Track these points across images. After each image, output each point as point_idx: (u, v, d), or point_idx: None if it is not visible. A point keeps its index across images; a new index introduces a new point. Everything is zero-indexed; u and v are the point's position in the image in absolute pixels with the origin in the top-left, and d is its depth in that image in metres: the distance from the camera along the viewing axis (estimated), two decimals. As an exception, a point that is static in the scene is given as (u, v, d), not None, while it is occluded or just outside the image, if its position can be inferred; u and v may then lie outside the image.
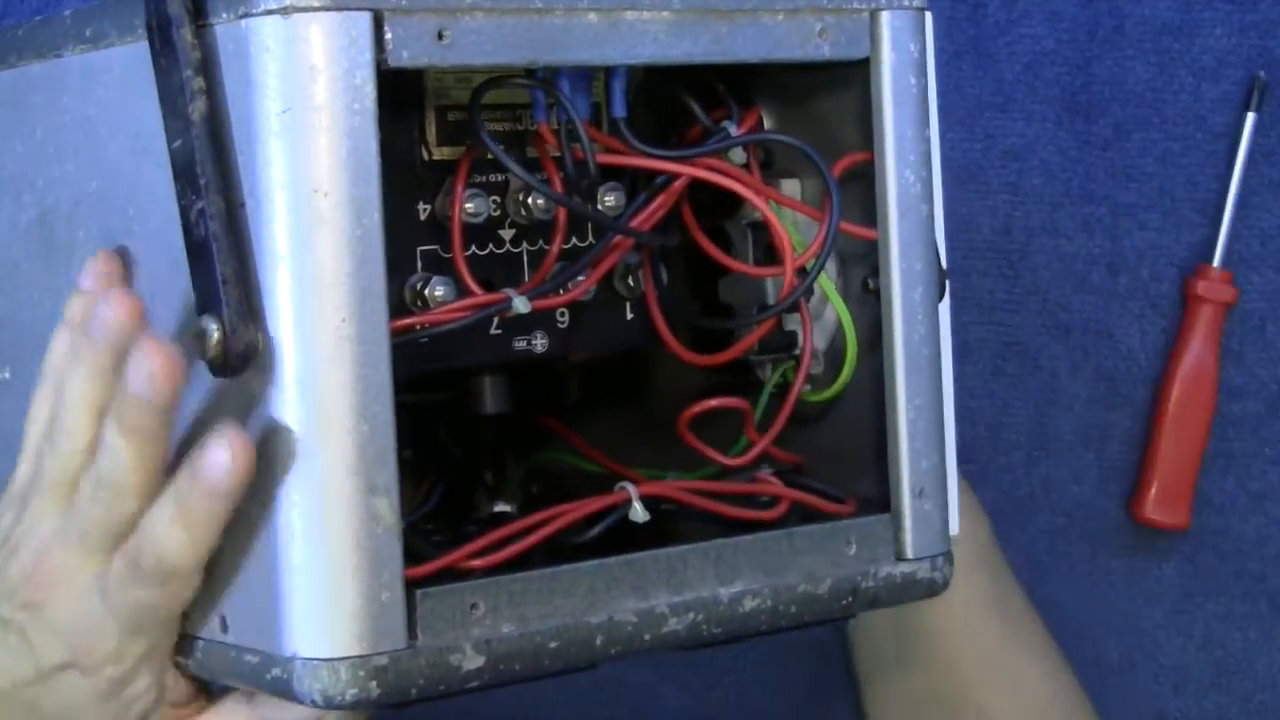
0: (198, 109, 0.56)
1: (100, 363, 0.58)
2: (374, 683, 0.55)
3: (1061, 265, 0.90)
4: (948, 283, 0.67)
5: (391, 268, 0.57)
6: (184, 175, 0.56)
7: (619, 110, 0.63)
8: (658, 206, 0.64)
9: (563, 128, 0.62)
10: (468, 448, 0.71)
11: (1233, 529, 0.90)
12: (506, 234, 0.64)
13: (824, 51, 0.63)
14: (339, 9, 0.55)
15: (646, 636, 0.60)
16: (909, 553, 0.64)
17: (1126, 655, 0.91)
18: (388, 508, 0.55)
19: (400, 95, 0.61)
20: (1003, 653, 0.80)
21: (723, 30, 0.62)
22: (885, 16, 0.64)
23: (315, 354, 0.55)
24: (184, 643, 0.60)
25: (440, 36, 0.57)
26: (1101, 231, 0.90)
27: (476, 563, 0.58)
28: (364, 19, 0.55)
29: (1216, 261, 0.89)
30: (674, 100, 0.66)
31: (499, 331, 0.64)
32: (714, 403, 0.66)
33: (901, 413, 0.64)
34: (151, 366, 0.55)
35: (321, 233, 0.55)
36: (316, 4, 0.55)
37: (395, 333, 0.57)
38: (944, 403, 0.65)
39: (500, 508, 0.65)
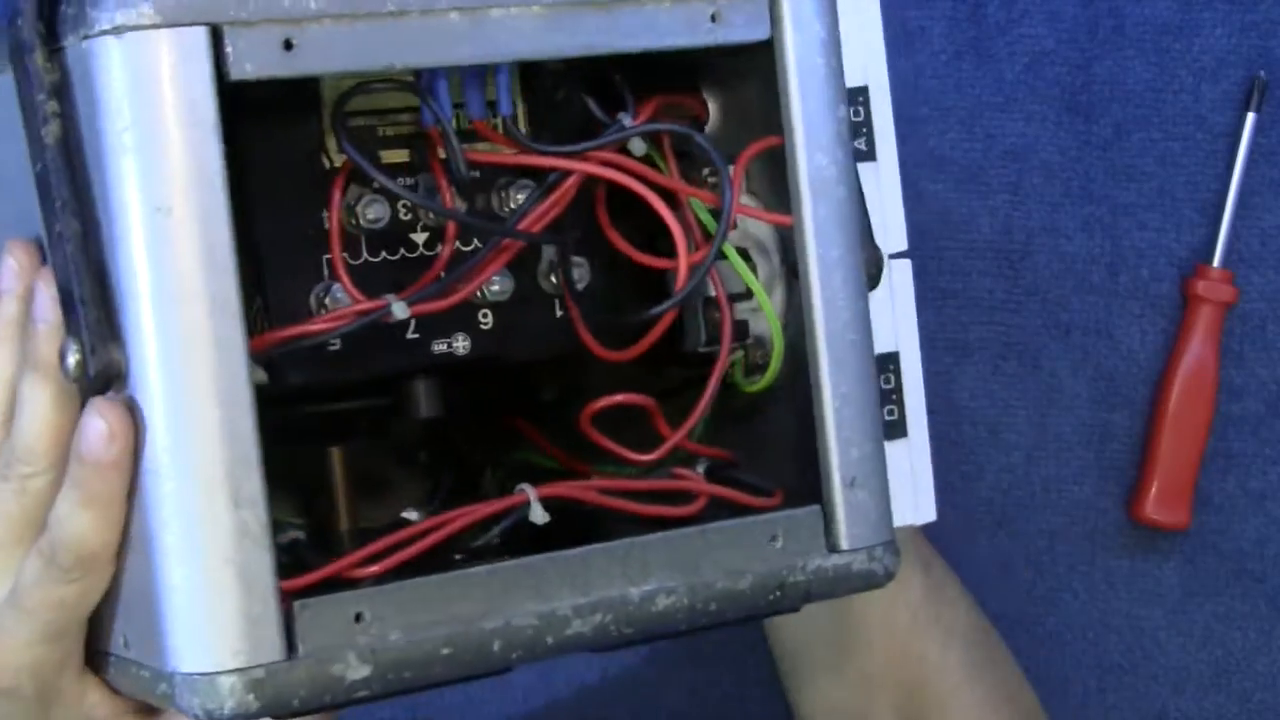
0: (50, 132, 0.56)
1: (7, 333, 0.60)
2: (251, 695, 0.55)
3: (1061, 265, 0.90)
4: (889, 267, 0.67)
5: (297, 276, 0.60)
6: (43, 198, 0.57)
7: (504, 107, 0.62)
8: (551, 205, 0.63)
9: (446, 129, 0.61)
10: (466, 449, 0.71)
11: (1233, 529, 0.90)
12: (419, 237, 0.64)
13: (718, 36, 0.62)
14: (171, 25, 0.55)
15: (549, 640, 0.60)
16: (843, 544, 0.63)
17: (1126, 655, 0.91)
18: (254, 520, 0.55)
19: (300, 103, 0.61)
20: (929, 603, 0.81)
21: (599, 21, 0.61)
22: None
23: (169, 371, 0.55)
24: (99, 658, 0.61)
25: (288, 46, 0.57)
26: (1101, 231, 0.90)
27: (363, 571, 0.58)
28: (200, 33, 0.55)
29: (1216, 261, 0.89)
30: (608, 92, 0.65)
31: (416, 335, 0.63)
32: (618, 398, 0.65)
33: (827, 402, 0.63)
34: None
35: (166, 250, 0.55)
36: (148, 21, 0.55)
37: (277, 343, 0.58)
38: (877, 390, 0.64)
39: (407, 514, 0.63)
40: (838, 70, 0.63)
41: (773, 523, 0.63)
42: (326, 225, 0.62)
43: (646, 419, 0.65)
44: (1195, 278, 0.89)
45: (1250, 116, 0.89)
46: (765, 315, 0.65)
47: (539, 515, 0.62)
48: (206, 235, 0.55)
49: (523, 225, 0.63)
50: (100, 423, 0.56)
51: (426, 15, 0.59)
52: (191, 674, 0.55)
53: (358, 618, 0.57)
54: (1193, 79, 0.89)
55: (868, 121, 0.70)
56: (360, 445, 0.69)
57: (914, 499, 0.70)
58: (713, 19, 0.62)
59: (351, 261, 0.62)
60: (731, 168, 0.64)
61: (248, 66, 0.56)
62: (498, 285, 0.64)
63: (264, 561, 0.55)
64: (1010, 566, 0.82)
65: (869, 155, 0.70)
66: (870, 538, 0.63)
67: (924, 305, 0.87)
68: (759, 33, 0.63)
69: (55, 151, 0.56)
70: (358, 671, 0.57)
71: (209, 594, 0.55)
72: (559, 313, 0.65)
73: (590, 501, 0.63)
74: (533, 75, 0.65)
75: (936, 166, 0.90)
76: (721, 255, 0.64)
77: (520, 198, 0.64)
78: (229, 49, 0.56)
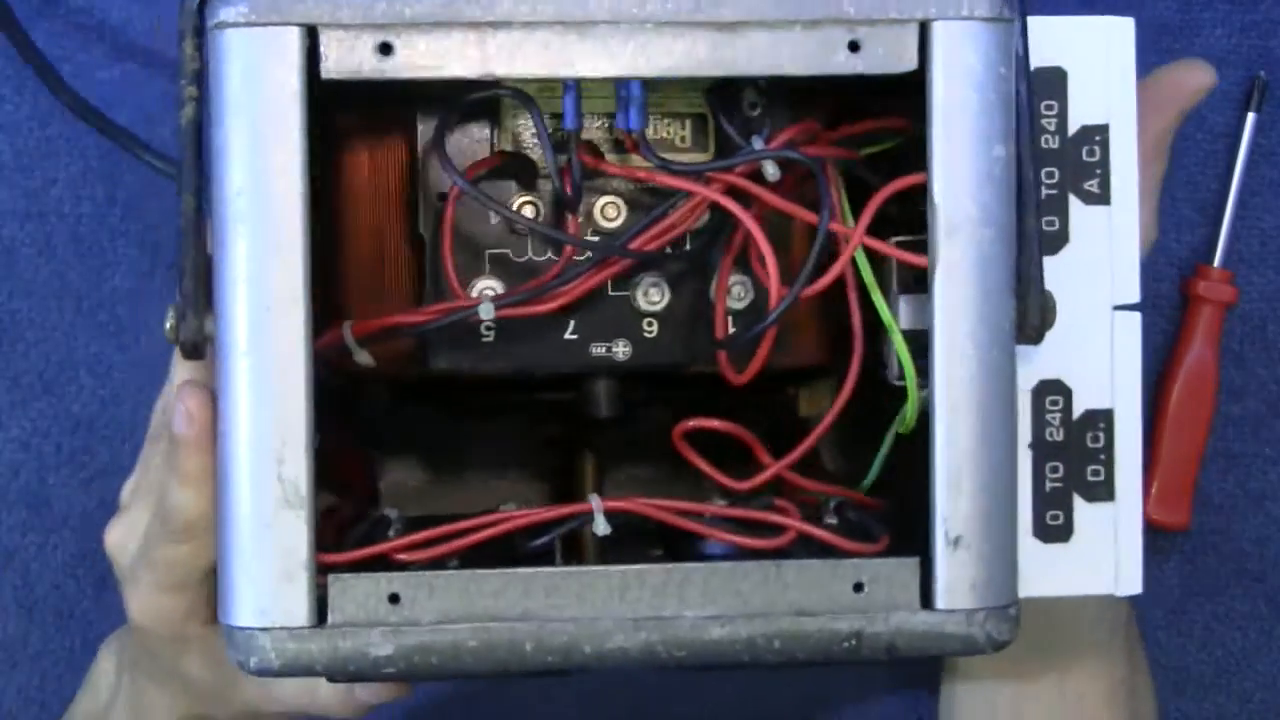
0: (185, 115, 0.60)
1: None
2: (274, 654, 0.59)
3: (1061, 265, 0.90)
4: (1113, 319, 0.65)
5: (464, 269, 0.64)
6: (177, 177, 0.61)
7: (634, 122, 0.62)
8: (670, 224, 0.63)
9: (544, 144, 0.62)
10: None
11: (1233, 529, 0.90)
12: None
13: (856, 66, 0.60)
14: (265, 24, 0.58)
15: (587, 649, 0.60)
16: (939, 603, 0.61)
17: (1126, 655, 0.91)
18: (294, 492, 0.59)
19: (477, 104, 0.63)
20: (1127, 690, 0.78)
21: (717, 42, 0.59)
22: (937, 27, 0.60)
23: (231, 349, 0.59)
24: None
25: (385, 50, 0.59)
26: (1101, 231, 0.90)
27: (409, 555, 0.61)
28: (293, 33, 0.58)
29: (1216, 261, 0.89)
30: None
31: (574, 337, 0.65)
32: (714, 423, 0.65)
33: (938, 453, 0.60)
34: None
35: (236, 233, 0.59)
36: (244, 19, 0.58)
37: (373, 331, 0.63)
38: (1007, 450, 0.61)
39: (505, 507, 0.64)
40: (998, 105, 0.60)
41: (860, 568, 0.61)
42: (493, 222, 0.65)
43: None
44: (1195, 278, 0.89)
45: (1250, 116, 0.89)
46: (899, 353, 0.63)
47: (601, 526, 0.62)
48: (274, 225, 0.58)
49: (635, 244, 0.63)
50: (180, 405, 0.63)
51: (529, 27, 0.59)
52: (230, 626, 0.60)
53: (393, 599, 0.60)
54: (1193, 79, 0.89)
55: (1104, 162, 0.66)
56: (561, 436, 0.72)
57: (1115, 568, 0.66)
58: (851, 47, 0.60)
59: (514, 258, 0.65)
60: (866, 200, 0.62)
61: (342, 66, 0.59)
62: (655, 295, 0.65)
63: (300, 532, 0.59)
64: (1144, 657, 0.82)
65: (1102, 199, 0.66)
66: (973, 600, 0.61)
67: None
68: (903, 64, 0.60)
69: (186, 133, 0.60)
70: (382, 649, 0.60)
71: (248, 557, 0.59)
72: (731, 329, 0.66)
73: (662, 520, 0.63)
74: (721, 87, 0.65)
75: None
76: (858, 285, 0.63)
77: (611, 213, 0.65)
78: (324, 49, 0.59)
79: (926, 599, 0.61)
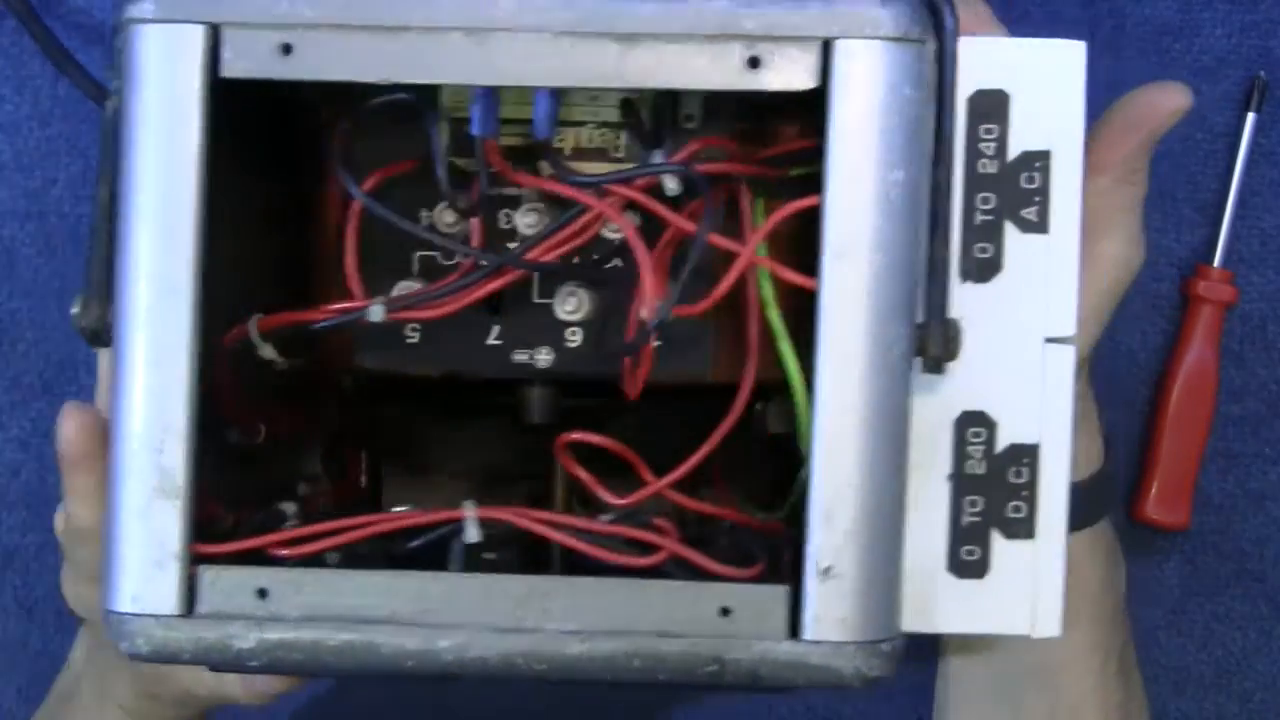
0: (109, 105, 0.61)
1: None
2: (141, 640, 0.60)
3: (1061, 265, 0.90)
4: (1044, 351, 0.63)
5: (390, 271, 0.65)
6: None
7: (540, 130, 0.62)
8: (570, 234, 0.63)
9: (435, 149, 0.63)
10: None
11: (1233, 529, 0.90)
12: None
13: (755, 82, 0.59)
14: (167, 21, 0.59)
15: (446, 656, 0.60)
16: (805, 634, 0.59)
17: (1126, 655, 0.91)
18: (170, 483, 0.60)
19: (417, 107, 0.63)
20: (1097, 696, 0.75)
21: (615, 54, 0.59)
22: (839, 46, 0.59)
23: (122, 338, 0.60)
24: None
25: (286, 50, 0.59)
26: (1101, 231, 0.90)
27: (285, 551, 0.62)
28: (195, 31, 0.59)
29: (1216, 261, 0.89)
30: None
31: (498, 343, 0.66)
32: (595, 438, 0.64)
33: (814, 479, 0.59)
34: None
35: (133, 226, 0.60)
36: (149, 16, 0.59)
37: (275, 325, 0.63)
38: (891, 482, 0.60)
39: (398, 509, 0.65)
40: (900, 128, 0.59)
41: (728, 593, 0.60)
42: (424, 223, 0.66)
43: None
44: (1195, 278, 0.89)
45: (1250, 116, 0.89)
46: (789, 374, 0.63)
47: (473, 534, 0.62)
48: (167, 220, 0.59)
49: (536, 254, 0.63)
50: (60, 429, 0.68)
51: (429, 33, 0.59)
52: (107, 610, 0.61)
53: (261, 593, 0.60)
54: (1193, 79, 0.89)
55: (1044, 190, 0.64)
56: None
57: (1032, 608, 0.64)
58: (751, 63, 0.59)
59: (442, 261, 0.66)
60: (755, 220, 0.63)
61: (240, 66, 0.59)
62: (571, 305, 0.65)
63: (174, 521, 0.60)
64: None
65: (1040, 227, 0.64)
66: (842, 634, 0.59)
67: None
68: (804, 82, 0.59)
69: (107, 125, 0.61)
70: (244, 642, 0.60)
71: (125, 543, 0.60)
72: (573, 341, 0.66)
73: (534, 532, 0.62)
74: (661, 98, 0.65)
75: (936, 166, 0.90)
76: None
77: (528, 220, 0.65)
78: (224, 48, 0.59)
79: (795, 629, 0.60)
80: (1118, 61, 0.89)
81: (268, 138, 0.66)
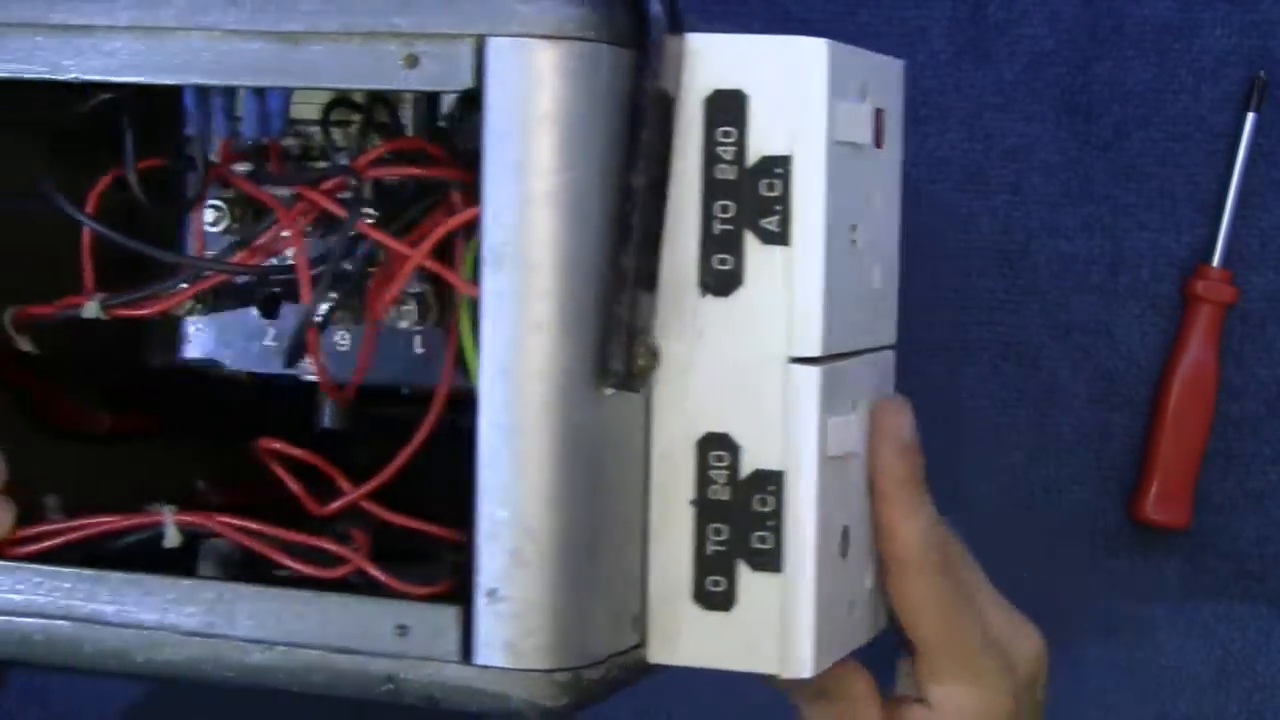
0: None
1: None
2: None
3: (1061, 265, 0.90)
4: (788, 373, 0.58)
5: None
6: None
7: (246, 129, 0.63)
8: (273, 235, 0.63)
9: (127, 146, 0.64)
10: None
11: (1233, 529, 0.90)
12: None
13: (413, 82, 0.56)
14: None
15: (139, 657, 0.60)
16: (477, 658, 0.57)
17: (1127, 655, 0.91)
18: None
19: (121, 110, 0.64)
20: None
21: (280, 54, 0.57)
22: (492, 44, 0.55)
23: None
24: None
25: None
26: (1101, 231, 0.90)
27: (9, 550, 0.62)
28: None
29: (1216, 261, 0.89)
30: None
31: (272, 344, 0.67)
32: (296, 451, 0.63)
33: (477, 496, 0.56)
34: None
35: None
36: None
37: (25, 319, 0.64)
38: (566, 504, 0.56)
39: (152, 508, 0.65)
40: (559, 131, 0.55)
41: (406, 611, 0.58)
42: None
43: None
44: (1195, 278, 0.89)
45: (1250, 116, 0.89)
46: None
47: (172, 539, 0.63)
48: None
49: (242, 257, 0.63)
50: None
51: (97, 32, 0.59)
52: None
53: None
54: (1193, 79, 0.89)
55: (784, 198, 0.59)
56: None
57: (781, 645, 0.60)
58: (409, 62, 0.56)
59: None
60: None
61: None
62: (322, 310, 0.63)
63: None
64: (1010, 567, 0.82)
65: (781, 238, 0.59)
66: (510, 660, 0.56)
67: (924, 305, 0.88)
68: (459, 82, 0.56)
69: None
70: None
71: None
72: (419, 349, 0.65)
73: (228, 538, 0.62)
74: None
75: (936, 166, 0.90)
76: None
77: (209, 217, 0.67)
78: None
79: (467, 652, 0.57)
80: (1118, 61, 0.89)
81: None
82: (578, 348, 0.56)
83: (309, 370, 0.64)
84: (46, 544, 0.63)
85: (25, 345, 0.65)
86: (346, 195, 0.62)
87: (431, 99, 0.64)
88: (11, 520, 0.63)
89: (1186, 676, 0.91)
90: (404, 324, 0.64)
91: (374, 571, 0.60)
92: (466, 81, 0.56)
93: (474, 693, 0.57)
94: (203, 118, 0.63)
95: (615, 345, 0.57)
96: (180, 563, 0.63)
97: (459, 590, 0.58)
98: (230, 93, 0.64)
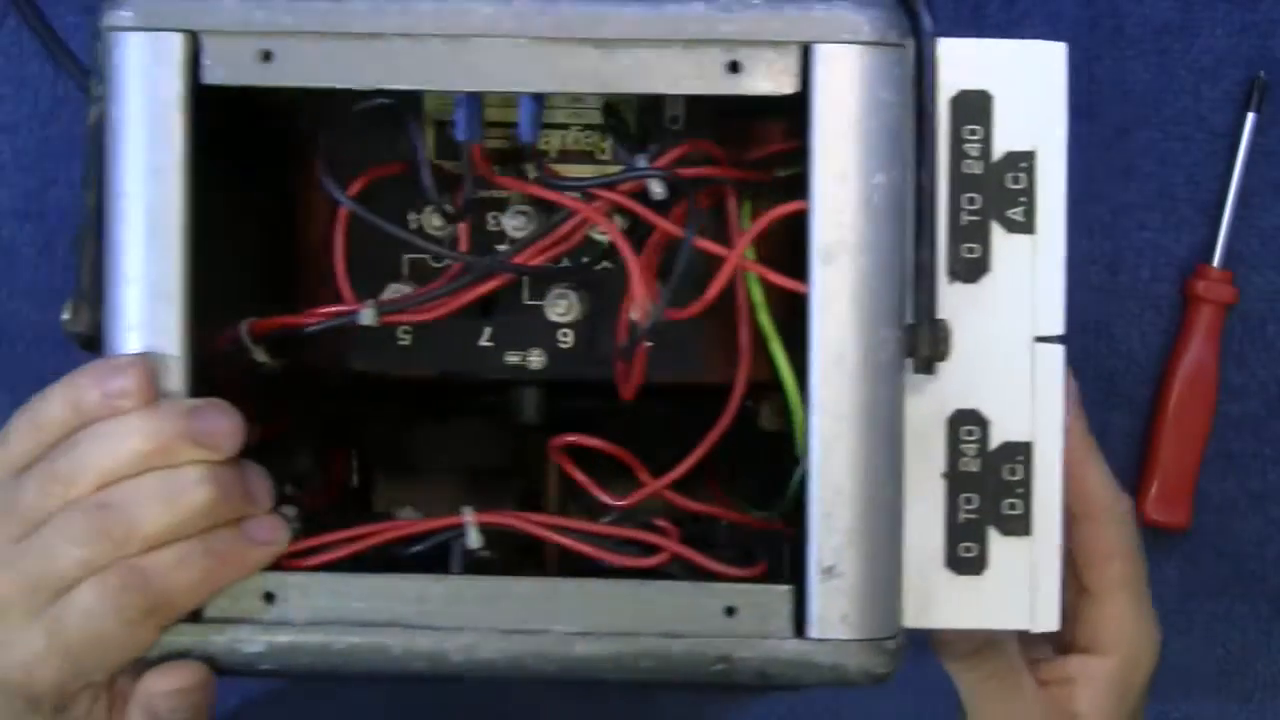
0: (91, 114, 0.61)
1: None
2: (158, 645, 0.61)
3: (1061, 265, 0.90)
4: (1033, 352, 0.64)
5: (379, 273, 0.65)
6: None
7: (524, 134, 0.63)
8: (557, 239, 0.63)
9: (418, 156, 0.63)
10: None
11: (1233, 529, 0.90)
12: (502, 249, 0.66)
13: (736, 87, 0.59)
14: (150, 29, 0.60)
15: (454, 658, 0.61)
16: (810, 632, 0.60)
17: (1126, 655, 0.91)
18: None
19: (400, 112, 0.63)
20: None
21: (594, 60, 0.59)
22: (819, 50, 0.59)
23: (114, 339, 0.61)
24: None
25: (266, 57, 0.60)
26: (1101, 231, 0.90)
27: (296, 562, 0.62)
28: (174, 39, 0.60)
29: (1216, 261, 0.89)
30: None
31: (490, 344, 0.66)
32: (593, 441, 0.65)
33: (813, 481, 0.60)
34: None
35: (119, 232, 0.60)
36: (129, 24, 0.60)
37: (266, 329, 0.64)
38: (888, 482, 0.61)
39: (402, 512, 0.66)
40: (880, 132, 0.60)
41: (733, 593, 0.61)
42: (412, 227, 0.66)
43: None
44: (1195, 278, 0.89)
45: (1250, 116, 0.89)
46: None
47: (474, 540, 0.63)
48: (154, 224, 0.60)
49: (521, 258, 0.63)
50: None
51: (407, 39, 0.59)
52: None
53: (268, 597, 0.61)
54: (1193, 79, 0.89)
55: (1029, 191, 0.65)
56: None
57: (1030, 603, 0.65)
58: (732, 68, 0.59)
59: (433, 264, 0.66)
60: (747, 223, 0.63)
61: (220, 73, 0.60)
62: (561, 307, 0.66)
63: None
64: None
65: (1026, 227, 0.65)
66: (845, 632, 0.60)
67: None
68: (784, 87, 0.60)
69: (91, 132, 0.61)
70: (253, 646, 0.61)
71: None
72: (565, 342, 0.66)
73: (535, 535, 0.63)
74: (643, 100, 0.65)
75: (936, 166, 0.90)
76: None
77: (515, 224, 0.65)
78: (205, 55, 0.60)
79: (800, 627, 0.61)
80: (1118, 61, 0.89)
81: (253, 143, 0.67)
82: (896, 336, 0.61)
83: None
84: (336, 554, 0.63)
85: (261, 356, 0.65)
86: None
87: (656, 103, 0.66)
88: (288, 534, 0.62)
89: (1187, 676, 0.91)
90: (555, 317, 0.66)
91: (696, 557, 0.62)
92: (792, 86, 0.59)
93: (809, 666, 0.61)
94: (473, 124, 0.63)
95: (924, 332, 0.61)
96: (425, 564, 0.63)
97: (776, 568, 0.63)
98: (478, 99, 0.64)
